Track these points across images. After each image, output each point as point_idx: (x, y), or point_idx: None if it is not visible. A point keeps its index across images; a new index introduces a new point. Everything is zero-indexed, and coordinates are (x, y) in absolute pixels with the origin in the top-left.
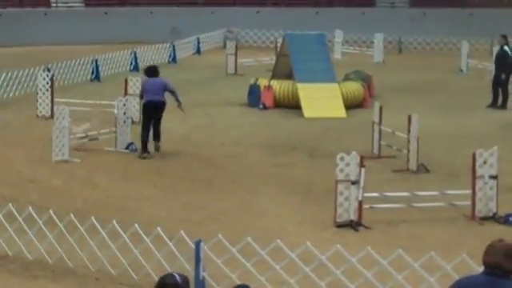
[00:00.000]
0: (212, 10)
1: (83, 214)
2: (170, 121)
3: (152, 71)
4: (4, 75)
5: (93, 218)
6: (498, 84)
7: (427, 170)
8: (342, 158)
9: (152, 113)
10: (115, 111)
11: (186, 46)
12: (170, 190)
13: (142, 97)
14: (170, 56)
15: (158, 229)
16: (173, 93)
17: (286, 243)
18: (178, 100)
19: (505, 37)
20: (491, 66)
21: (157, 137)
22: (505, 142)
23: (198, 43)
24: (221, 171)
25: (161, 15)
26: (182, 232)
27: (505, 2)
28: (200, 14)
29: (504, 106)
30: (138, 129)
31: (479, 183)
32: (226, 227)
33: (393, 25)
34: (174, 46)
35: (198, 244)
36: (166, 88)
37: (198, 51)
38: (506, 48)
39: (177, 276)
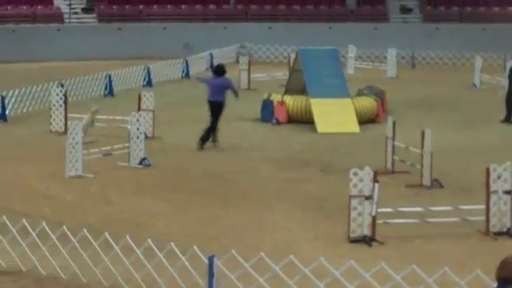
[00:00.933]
0: (224, 25)
1: (97, 229)
2: (182, 135)
3: (217, 70)
4: (18, 91)
5: (106, 233)
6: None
7: (441, 186)
8: (355, 173)
9: (211, 111)
10: (129, 126)
11: (199, 62)
12: (183, 205)
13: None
14: (183, 71)
15: (172, 244)
16: (233, 90)
17: (299, 259)
18: (236, 94)
19: None
20: (504, 81)
21: (202, 138)
22: None
23: (212, 58)
24: (233, 186)
25: (173, 31)
26: (194, 247)
27: None
28: (213, 30)
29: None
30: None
31: (493, 198)
32: (239, 242)
33: (406, 40)
34: (187, 62)
35: (211, 259)
36: (225, 87)
37: (212, 67)
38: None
39: None
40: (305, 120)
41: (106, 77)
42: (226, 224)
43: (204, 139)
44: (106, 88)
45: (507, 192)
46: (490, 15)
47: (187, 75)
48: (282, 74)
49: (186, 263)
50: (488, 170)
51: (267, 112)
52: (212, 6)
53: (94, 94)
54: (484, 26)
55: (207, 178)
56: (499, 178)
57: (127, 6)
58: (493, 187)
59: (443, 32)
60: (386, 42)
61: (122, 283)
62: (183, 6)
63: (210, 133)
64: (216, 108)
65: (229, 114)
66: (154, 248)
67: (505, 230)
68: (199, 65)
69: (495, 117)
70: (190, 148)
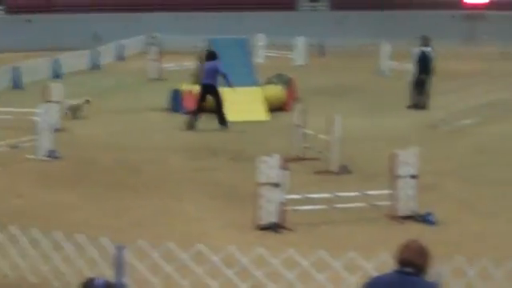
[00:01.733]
0: (134, 15)
1: (4, 222)
2: (92, 127)
3: (208, 55)
4: None
5: (12, 225)
6: (419, 85)
7: (349, 172)
8: (264, 161)
9: (204, 94)
10: (36, 118)
11: (109, 52)
12: (92, 196)
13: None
14: (92, 62)
15: (79, 235)
16: (224, 76)
17: (208, 247)
18: (229, 84)
19: (426, 38)
20: (411, 67)
21: (220, 121)
22: (425, 143)
23: (121, 49)
24: (143, 176)
25: (83, 21)
26: (103, 238)
27: (425, 4)
28: (122, 20)
29: (424, 106)
30: (61, 135)
31: (400, 183)
32: (149, 233)
33: (315, 28)
34: (96, 52)
35: (119, 249)
36: (217, 71)
37: (121, 57)
38: (426, 49)
39: (99, 280)
40: (214, 109)
41: (13, 69)
42: (136, 214)
43: (221, 118)
44: (13, 80)
45: (413, 176)
46: (398, 2)
47: (97, 66)
48: (192, 64)
49: (95, 254)
50: (395, 155)
51: (177, 102)
52: None
53: (1, 86)
54: (392, 13)
55: (117, 169)
56: (406, 162)
57: None
58: (399, 172)
59: (351, 20)
60: (295, 30)
61: (29, 276)
62: None
63: (196, 113)
64: (209, 90)
65: (139, 104)
66: (61, 240)
67: (410, 213)
68: (109, 55)
69: (403, 103)
70: (100, 139)
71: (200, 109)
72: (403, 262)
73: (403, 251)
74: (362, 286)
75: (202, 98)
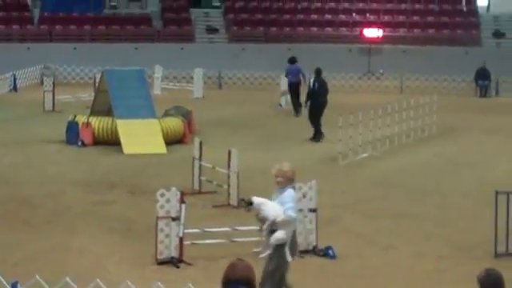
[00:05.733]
0: (28, 45)
1: None
2: None
3: (291, 60)
4: None
5: None
6: (313, 116)
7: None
8: (162, 195)
9: (294, 90)
10: None
11: (2, 83)
12: None
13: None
14: None
15: None
16: (303, 75)
17: (105, 282)
18: (304, 81)
19: (318, 70)
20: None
21: (296, 109)
22: (324, 176)
23: (15, 80)
24: (38, 210)
25: None
26: None
27: (321, 38)
28: (16, 50)
29: (319, 138)
30: None
31: (299, 217)
32: (45, 268)
33: (212, 60)
34: None
35: (14, 285)
36: (300, 71)
37: (15, 88)
38: (318, 80)
39: None
40: (111, 141)
41: None
42: (31, 249)
43: (296, 108)
44: None
45: (313, 210)
46: (294, 35)
47: None
48: (88, 95)
49: None
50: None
51: (72, 134)
52: (15, 26)
53: None
54: (289, 46)
55: (11, 202)
56: (304, 196)
57: None
58: (298, 205)
59: (249, 52)
60: (192, 62)
61: None
62: None
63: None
64: (296, 86)
65: (33, 137)
66: None
67: (311, 247)
68: (2, 86)
69: (300, 135)
70: None
71: (294, 98)
72: (240, 279)
73: (229, 270)
74: None
75: (294, 94)
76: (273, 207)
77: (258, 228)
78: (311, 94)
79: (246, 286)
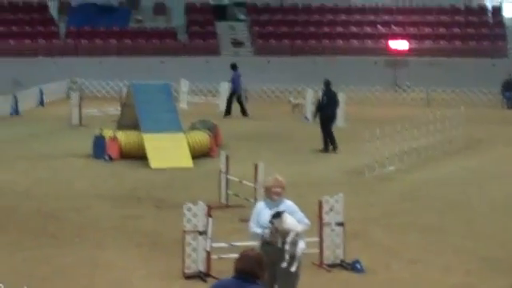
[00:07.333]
0: (54, 60)
1: None
2: (12, 174)
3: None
4: None
5: None
6: (325, 128)
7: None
8: (189, 209)
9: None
10: None
11: (29, 98)
12: (13, 244)
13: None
14: (12, 108)
15: (1, 285)
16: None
17: None
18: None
19: (326, 82)
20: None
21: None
22: (351, 189)
23: (41, 94)
24: (65, 225)
25: (1, 66)
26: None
27: (347, 50)
28: (42, 65)
29: (333, 148)
30: None
31: (326, 230)
32: (72, 282)
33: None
34: (15, 98)
35: None
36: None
37: (42, 103)
38: (328, 93)
39: None
40: (138, 155)
41: None
42: (59, 263)
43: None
44: None
45: (340, 224)
46: (320, 48)
47: (16, 112)
48: (115, 109)
49: None
50: (320, 202)
51: (99, 148)
52: (41, 41)
53: None
54: (315, 59)
55: (38, 217)
56: (331, 210)
57: None
58: (326, 219)
59: (274, 65)
60: (218, 75)
61: None
62: (11, 41)
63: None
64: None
65: (60, 151)
66: None
67: (338, 261)
68: (29, 101)
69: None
70: (20, 187)
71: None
72: (241, 271)
73: (241, 260)
74: None
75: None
76: (291, 218)
77: (279, 241)
78: (320, 106)
79: (247, 276)
